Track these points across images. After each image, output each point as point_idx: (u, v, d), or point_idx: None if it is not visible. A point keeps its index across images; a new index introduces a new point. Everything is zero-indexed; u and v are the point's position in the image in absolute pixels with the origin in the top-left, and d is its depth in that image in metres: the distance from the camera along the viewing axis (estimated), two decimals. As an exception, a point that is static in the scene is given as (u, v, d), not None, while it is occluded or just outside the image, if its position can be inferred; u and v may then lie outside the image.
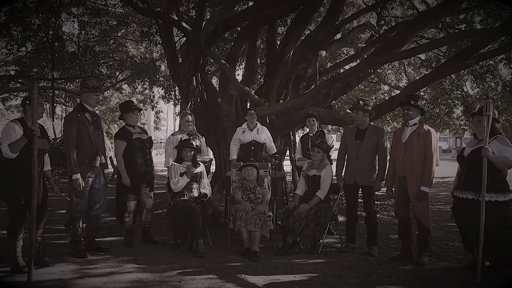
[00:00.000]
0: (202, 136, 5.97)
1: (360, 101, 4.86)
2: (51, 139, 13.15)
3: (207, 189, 5.17)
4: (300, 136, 6.60)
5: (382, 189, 4.91)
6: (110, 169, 4.90)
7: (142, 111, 5.77)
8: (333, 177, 4.99)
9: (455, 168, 4.41)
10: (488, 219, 3.71)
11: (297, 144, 6.99)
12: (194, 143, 5.26)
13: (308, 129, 6.23)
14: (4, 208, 3.95)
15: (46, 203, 4.14)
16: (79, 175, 4.35)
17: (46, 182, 4.24)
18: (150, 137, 5.18)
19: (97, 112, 4.76)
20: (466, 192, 3.95)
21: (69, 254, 4.42)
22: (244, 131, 6.06)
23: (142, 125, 5.29)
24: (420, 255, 4.33)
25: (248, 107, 8.16)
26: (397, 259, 4.47)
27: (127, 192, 4.94)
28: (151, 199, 5.10)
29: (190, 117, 5.79)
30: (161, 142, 41.07)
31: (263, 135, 6.09)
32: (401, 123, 17.14)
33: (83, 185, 4.37)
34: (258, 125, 6.15)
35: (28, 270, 3.65)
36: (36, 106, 3.72)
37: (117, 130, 5.36)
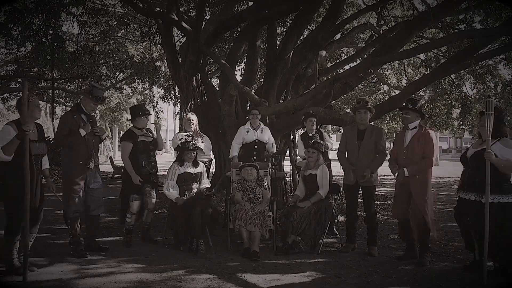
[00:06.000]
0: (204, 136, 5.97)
1: (368, 101, 4.86)
2: (50, 140, 13.20)
3: (207, 184, 5.18)
4: (300, 135, 6.51)
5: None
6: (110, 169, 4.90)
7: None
8: (332, 177, 4.98)
9: (455, 168, 4.42)
10: (492, 221, 3.70)
11: (296, 144, 6.94)
12: (195, 143, 5.26)
13: (306, 129, 6.16)
14: (2, 208, 3.93)
15: (42, 206, 4.12)
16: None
17: (44, 181, 4.21)
18: (155, 139, 5.18)
19: (93, 114, 4.77)
20: (469, 193, 3.94)
21: (69, 254, 4.42)
22: (248, 131, 6.05)
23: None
24: (422, 255, 4.33)
25: (248, 107, 8.16)
26: (403, 259, 4.46)
27: (130, 193, 4.96)
28: (153, 199, 5.10)
29: (192, 116, 5.79)
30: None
31: (266, 134, 6.11)
32: (400, 123, 17.18)
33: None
34: (261, 124, 6.16)
35: (23, 271, 3.65)
36: (27, 106, 3.69)
37: (124, 132, 5.38)
